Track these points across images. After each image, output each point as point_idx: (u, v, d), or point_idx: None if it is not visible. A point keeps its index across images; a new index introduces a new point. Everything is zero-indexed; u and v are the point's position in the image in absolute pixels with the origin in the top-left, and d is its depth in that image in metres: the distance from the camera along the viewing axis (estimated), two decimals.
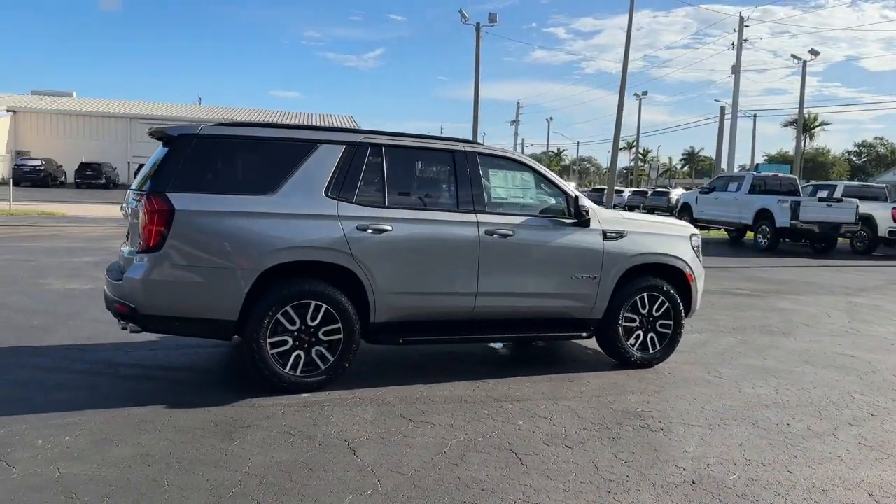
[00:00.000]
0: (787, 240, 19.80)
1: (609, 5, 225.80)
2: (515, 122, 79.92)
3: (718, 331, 7.89)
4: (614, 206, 32.98)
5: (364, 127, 5.43)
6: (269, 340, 4.81)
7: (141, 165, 6.44)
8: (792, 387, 5.68)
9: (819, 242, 19.46)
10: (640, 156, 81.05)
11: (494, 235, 5.40)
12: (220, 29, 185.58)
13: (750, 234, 20.62)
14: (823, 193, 20.26)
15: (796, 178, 22.95)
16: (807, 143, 67.89)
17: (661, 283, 6.06)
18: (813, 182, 28.07)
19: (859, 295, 11.44)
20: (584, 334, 5.92)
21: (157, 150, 5.08)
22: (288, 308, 4.83)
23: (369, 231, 5.02)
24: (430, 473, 3.69)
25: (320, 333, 4.94)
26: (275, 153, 5.04)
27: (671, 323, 6.10)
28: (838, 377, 6.06)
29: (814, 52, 41.58)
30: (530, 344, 6.81)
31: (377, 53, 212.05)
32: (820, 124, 69.76)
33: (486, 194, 5.57)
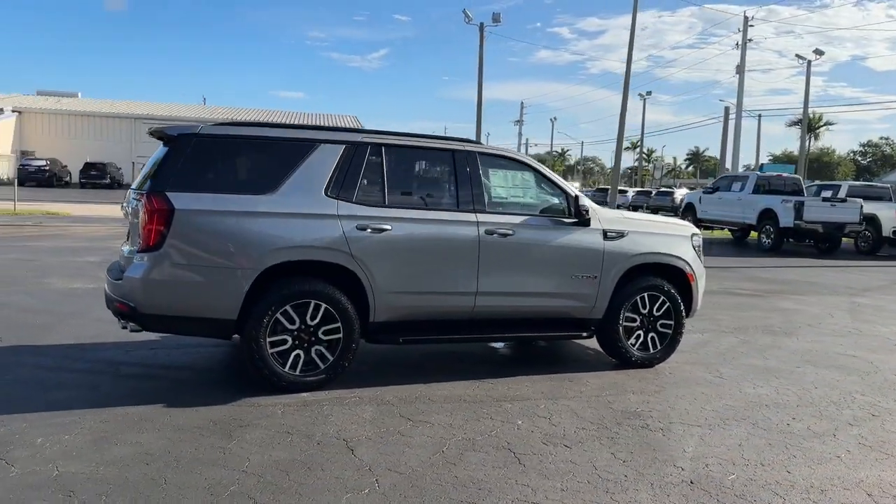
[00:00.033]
0: (790, 240, 19.76)
1: (614, 5, 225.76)
2: (519, 122, 79.96)
3: (720, 331, 7.87)
4: (618, 206, 32.96)
5: (368, 127, 5.44)
6: (268, 340, 4.81)
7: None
8: (793, 387, 5.67)
9: (823, 242, 19.41)
10: (644, 156, 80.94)
11: (494, 235, 5.39)
12: (224, 29, 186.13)
13: (754, 234, 20.57)
14: (827, 193, 20.23)
15: (800, 178, 22.90)
16: (811, 143, 67.74)
17: (662, 282, 6.05)
18: (817, 182, 27.98)
19: (863, 295, 11.41)
20: (585, 334, 5.91)
21: (157, 150, 5.09)
22: (287, 307, 4.84)
23: (369, 230, 5.02)
24: (427, 472, 3.69)
25: (320, 333, 4.95)
26: (275, 153, 5.04)
27: (672, 323, 6.09)
28: (840, 377, 6.04)
29: (818, 52, 41.49)
30: (531, 344, 6.80)
31: (381, 54, 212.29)
32: (825, 124, 69.57)
33: (486, 194, 5.57)
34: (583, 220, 5.68)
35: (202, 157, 4.87)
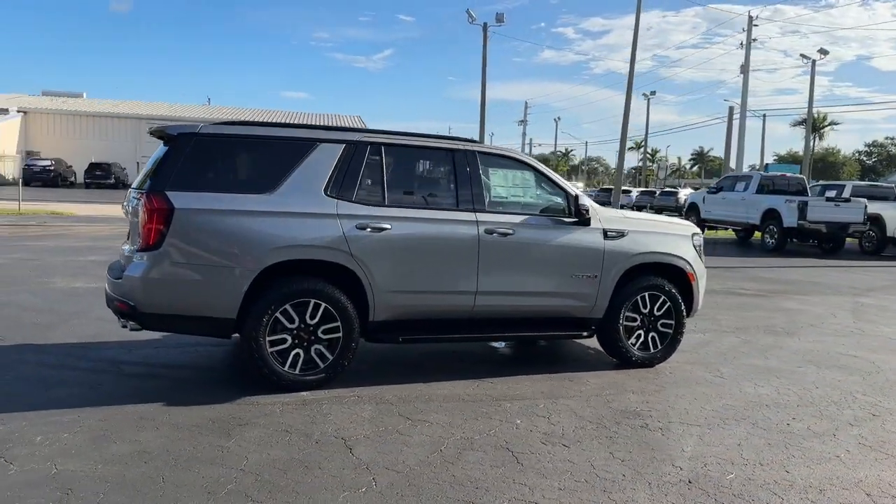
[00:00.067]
0: (794, 240, 19.70)
1: (618, 5, 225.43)
2: (523, 122, 79.94)
3: (721, 331, 7.86)
4: (621, 206, 32.91)
5: (372, 127, 5.45)
6: (268, 339, 4.82)
7: None
8: (794, 387, 5.66)
9: (827, 243, 19.35)
10: (648, 156, 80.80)
11: (494, 234, 5.39)
12: (229, 30, 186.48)
13: (757, 234, 20.52)
14: (832, 193, 20.15)
15: (804, 177, 22.84)
16: (816, 143, 67.54)
17: (663, 282, 6.04)
18: (821, 182, 27.89)
19: (866, 295, 11.37)
20: (585, 333, 5.91)
21: (157, 149, 5.11)
22: (287, 306, 4.85)
23: (368, 230, 5.03)
24: (425, 471, 3.69)
25: (319, 332, 4.96)
26: (274, 152, 5.05)
27: (672, 322, 6.08)
28: (841, 377, 6.02)
29: (823, 52, 41.39)
30: (532, 343, 6.80)
31: (386, 54, 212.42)
32: (829, 124, 69.35)
33: (485, 193, 5.57)
34: (583, 219, 5.67)
35: (202, 157, 4.88)
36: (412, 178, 5.68)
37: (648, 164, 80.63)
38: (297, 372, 4.91)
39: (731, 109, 43.54)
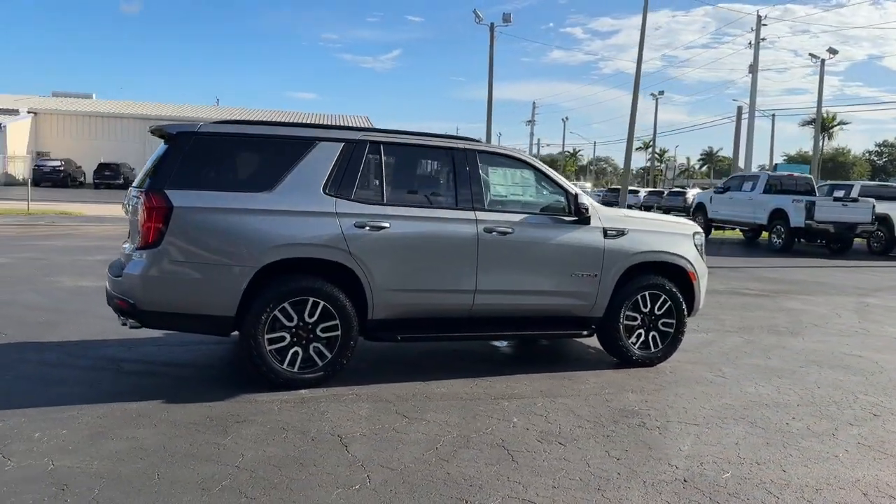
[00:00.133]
0: (802, 240, 19.59)
1: (627, 5, 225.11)
2: (531, 122, 79.74)
3: (724, 330, 7.83)
4: (629, 206, 32.82)
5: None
6: (266, 337, 4.84)
7: None
8: (795, 386, 5.63)
9: (834, 243, 19.24)
10: (657, 156, 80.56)
11: (493, 233, 5.39)
12: (238, 31, 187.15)
13: (765, 234, 20.43)
14: (839, 193, 20.03)
15: (812, 177, 22.71)
16: (826, 143, 67.13)
17: (663, 281, 6.03)
18: (829, 182, 27.73)
19: (873, 295, 11.30)
20: (585, 332, 5.89)
21: (157, 148, 5.13)
22: (285, 304, 4.86)
23: (367, 228, 5.04)
24: (419, 469, 3.70)
25: (318, 330, 4.97)
26: (273, 151, 5.07)
27: (673, 322, 6.06)
28: (843, 377, 5.99)
29: (832, 51, 41.13)
30: (532, 342, 6.79)
31: (394, 55, 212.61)
32: (838, 124, 68.95)
33: (485, 192, 5.57)
34: (582, 218, 5.67)
35: (201, 155, 4.90)
36: (411, 177, 5.68)
37: (657, 164, 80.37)
38: (295, 370, 4.93)
39: (739, 109, 43.35)
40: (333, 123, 36.56)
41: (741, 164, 40.49)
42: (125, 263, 4.97)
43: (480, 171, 5.55)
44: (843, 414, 4.98)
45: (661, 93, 59.83)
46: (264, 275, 4.83)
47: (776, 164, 52.61)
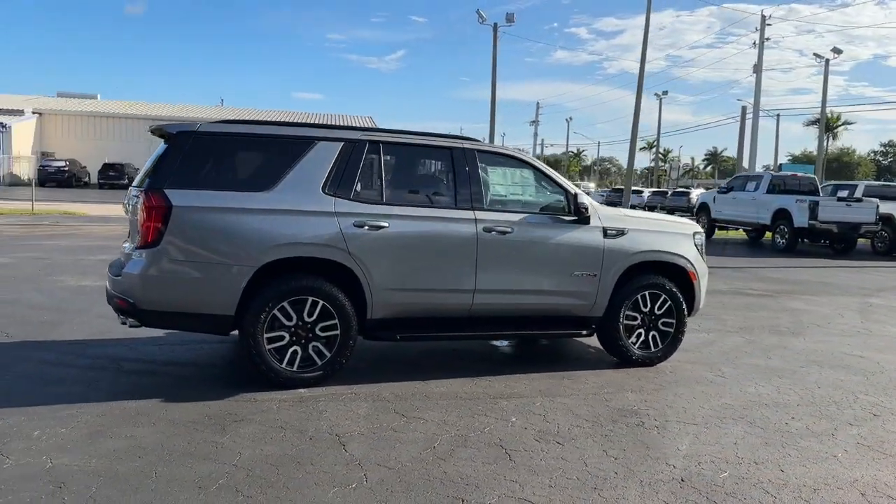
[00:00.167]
0: (805, 240, 19.54)
1: (631, 5, 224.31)
2: (535, 122, 79.72)
3: (726, 330, 7.81)
4: (632, 207, 32.79)
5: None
6: (265, 336, 4.84)
7: None
8: (795, 386, 5.61)
9: (838, 243, 19.19)
10: (661, 156, 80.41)
11: (493, 232, 5.39)
12: (243, 31, 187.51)
13: (768, 234, 20.37)
14: (843, 193, 19.97)
15: (815, 177, 22.64)
16: (830, 143, 66.96)
17: (664, 281, 6.02)
18: (833, 182, 27.65)
19: (876, 295, 11.26)
20: (585, 332, 5.89)
21: (158, 148, 5.15)
22: (285, 304, 4.87)
23: (366, 228, 5.04)
24: (416, 468, 3.70)
25: (317, 329, 4.97)
26: (272, 150, 5.08)
27: (673, 321, 6.05)
28: (844, 377, 5.97)
29: (836, 51, 41.04)
30: (533, 342, 6.79)
31: (399, 55, 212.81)
32: (843, 124, 68.72)
33: (484, 191, 5.57)
34: (582, 217, 5.66)
35: (200, 155, 4.91)
36: (411, 177, 5.69)
37: (661, 164, 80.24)
38: (294, 369, 4.94)
39: (744, 109, 43.29)
40: (336, 123, 36.62)
41: (745, 164, 40.42)
42: (125, 263, 4.99)
43: (480, 171, 5.55)
44: (843, 414, 4.96)
45: (666, 93, 59.70)
46: (263, 274, 4.84)
47: (781, 165, 52.52)
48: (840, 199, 18.58)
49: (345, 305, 4.99)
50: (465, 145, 5.59)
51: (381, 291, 5.11)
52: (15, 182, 42.85)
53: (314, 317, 4.95)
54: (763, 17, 38.68)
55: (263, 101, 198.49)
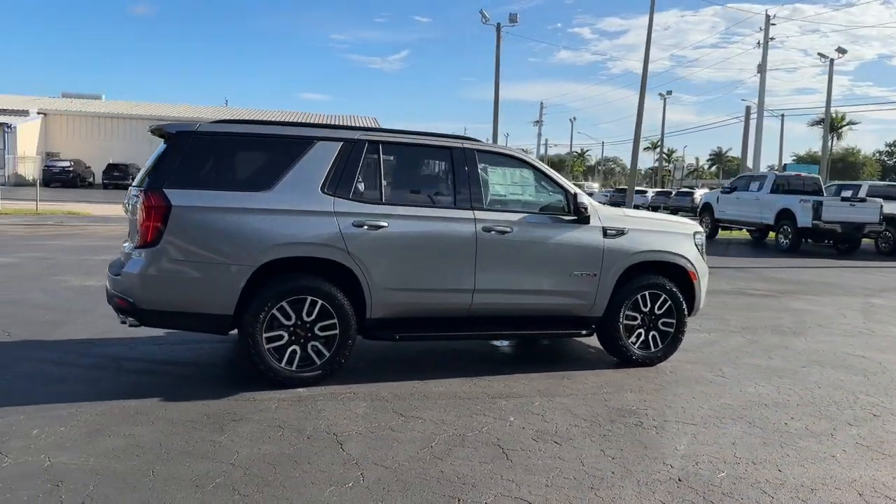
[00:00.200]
0: (809, 240, 19.49)
1: (636, 5, 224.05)
2: (539, 122, 79.65)
3: (728, 330, 7.80)
4: (636, 207, 32.74)
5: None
6: (264, 335, 4.85)
7: None
8: (795, 387, 5.60)
9: (842, 243, 19.14)
10: (664, 156, 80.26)
11: (492, 232, 5.39)
12: (247, 32, 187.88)
13: (772, 234, 20.32)
14: (847, 193, 19.92)
15: (819, 177, 22.58)
16: (835, 143, 66.77)
17: (664, 280, 6.01)
18: (837, 182, 27.56)
19: (879, 296, 11.23)
20: (585, 332, 5.89)
21: (158, 148, 5.16)
22: (284, 303, 4.88)
23: (365, 227, 5.05)
24: (413, 467, 3.70)
25: (316, 329, 4.98)
26: (271, 150, 5.10)
27: (673, 321, 6.04)
28: (845, 377, 5.95)
29: (841, 51, 40.92)
30: (533, 342, 6.79)
31: (403, 55, 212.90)
32: (847, 124, 68.47)
33: (483, 191, 5.57)
34: (581, 217, 5.66)
35: (200, 155, 4.93)
36: (410, 176, 5.69)
37: (665, 164, 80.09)
38: (293, 368, 4.95)
39: (748, 109, 43.15)
40: (338, 123, 36.66)
41: (750, 164, 40.30)
42: (125, 262, 5.00)
43: (479, 171, 5.55)
44: (843, 414, 4.95)
45: (670, 93, 59.67)
46: (262, 274, 4.85)
47: (785, 165, 52.29)
48: (844, 199, 18.53)
49: (344, 305, 5.00)
50: (465, 145, 5.59)
51: (381, 291, 5.12)
52: (20, 182, 43.00)
53: (313, 316, 4.96)
54: (767, 16, 38.57)
55: (268, 101, 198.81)
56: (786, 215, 18.78)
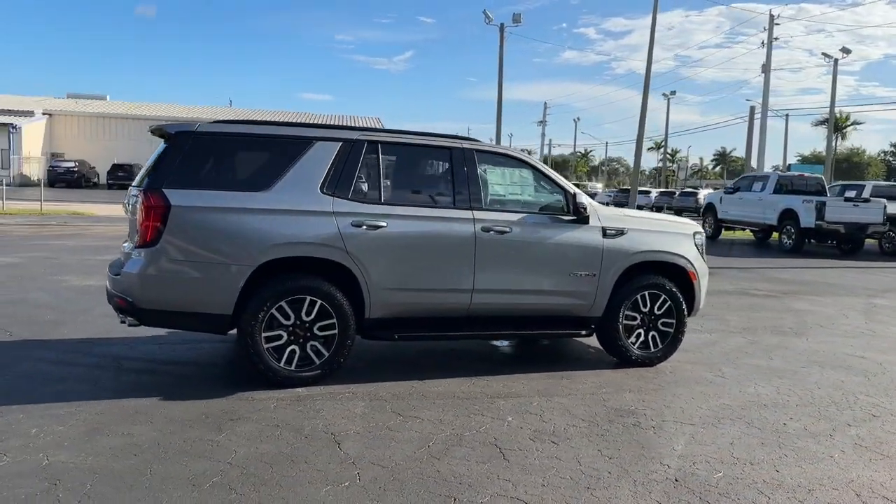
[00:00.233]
0: (812, 241, 19.44)
1: (640, 5, 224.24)
2: (542, 122, 79.55)
3: (728, 331, 7.78)
4: (639, 207, 32.72)
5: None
6: (263, 335, 4.86)
7: None
8: (795, 387, 5.59)
9: (845, 243, 19.08)
10: (668, 156, 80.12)
11: (491, 232, 5.39)
12: (252, 32, 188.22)
13: (775, 234, 20.28)
14: (851, 193, 19.87)
15: (822, 177, 22.52)
16: (839, 143, 66.58)
17: (663, 281, 6.01)
18: (840, 182, 27.49)
19: (881, 296, 11.20)
20: (584, 332, 5.89)
21: (158, 148, 5.18)
22: (283, 303, 4.89)
23: (364, 227, 5.06)
24: (410, 466, 3.71)
25: (315, 328, 4.99)
26: (271, 150, 5.11)
27: (673, 321, 6.04)
28: (845, 378, 5.94)
29: (845, 51, 40.83)
30: (532, 342, 6.79)
31: (407, 56, 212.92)
32: (852, 124, 68.29)
33: (482, 191, 5.57)
34: (581, 217, 5.66)
35: (199, 155, 4.94)
36: (409, 176, 5.70)
37: (668, 164, 79.96)
38: (292, 368, 4.95)
39: (752, 109, 43.01)
40: (341, 124, 36.70)
41: (754, 164, 40.19)
42: (124, 262, 5.02)
43: (478, 171, 5.55)
44: (842, 415, 4.94)
45: (674, 93, 59.67)
46: (262, 273, 4.86)
47: (790, 165, 52.27)
48: (847, 200, 18.48)
49: (343, 305, 5.01)
50: (464, 145, 5.59)
51: (380, 291, 5.12)
52: (25, 183, 43.14)
53: (312, 316, 4.96)
54: (772, 16, 38.47)
55: (272, 101, 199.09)
56: (789, 215, 18.74)
